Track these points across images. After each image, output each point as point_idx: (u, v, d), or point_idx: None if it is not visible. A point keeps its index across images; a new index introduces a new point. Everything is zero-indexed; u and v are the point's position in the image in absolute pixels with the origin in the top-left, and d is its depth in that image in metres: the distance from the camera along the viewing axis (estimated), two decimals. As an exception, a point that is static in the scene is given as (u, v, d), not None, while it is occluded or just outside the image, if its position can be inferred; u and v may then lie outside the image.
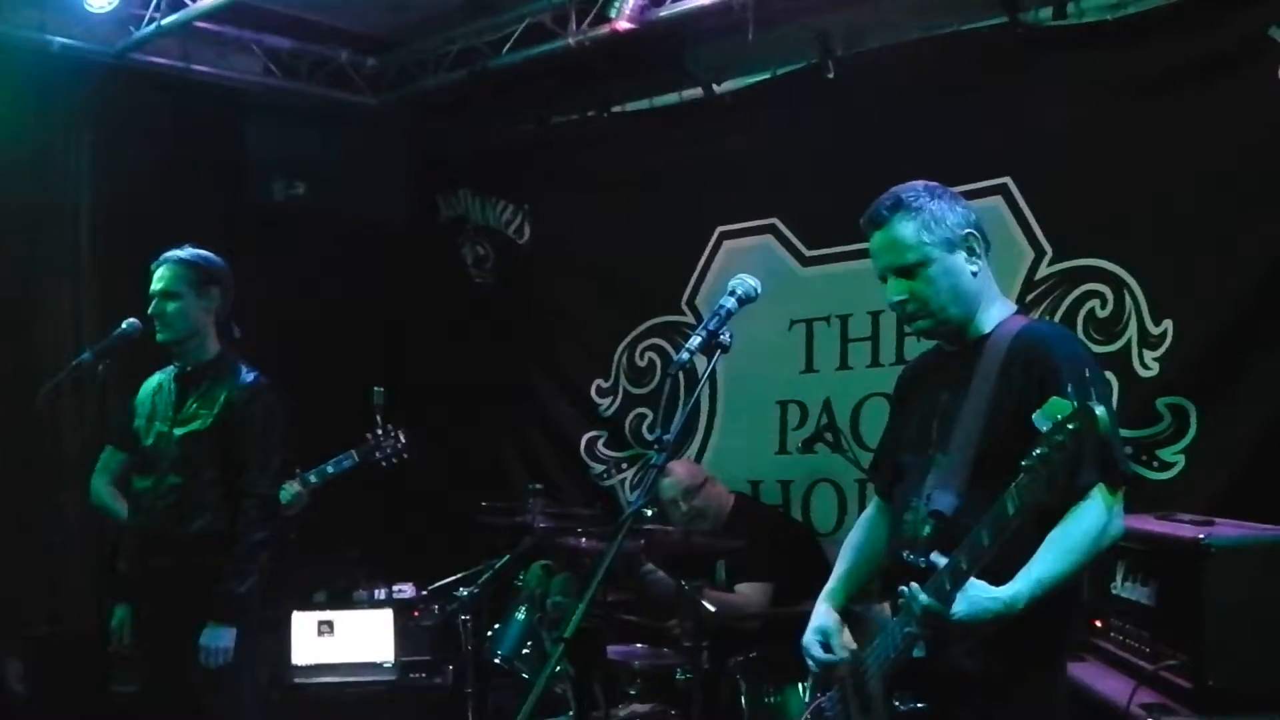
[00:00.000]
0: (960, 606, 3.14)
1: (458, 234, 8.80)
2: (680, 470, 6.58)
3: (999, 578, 3.18)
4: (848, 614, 3.87)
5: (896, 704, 3.41)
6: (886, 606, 3.59)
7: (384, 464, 6.33)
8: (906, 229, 3.54)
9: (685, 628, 5.62)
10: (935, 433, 3.58)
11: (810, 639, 3.84)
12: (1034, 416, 2.99)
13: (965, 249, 3.57)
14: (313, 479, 6.08)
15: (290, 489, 5.81)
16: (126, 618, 5.46)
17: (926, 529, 3.39)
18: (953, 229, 3.55)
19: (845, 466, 6.71)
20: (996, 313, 3.61)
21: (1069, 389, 3.01)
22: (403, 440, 6.33)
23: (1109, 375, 5.68)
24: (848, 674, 3.73)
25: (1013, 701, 3.39)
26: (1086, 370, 3.21)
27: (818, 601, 3.93)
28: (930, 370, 3.81)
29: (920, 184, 3.63)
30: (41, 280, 7.49)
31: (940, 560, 3.21)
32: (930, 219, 3.54)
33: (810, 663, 3.85)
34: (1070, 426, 2.91)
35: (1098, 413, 2.90)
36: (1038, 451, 2.96)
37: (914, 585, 3.22)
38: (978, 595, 3.15)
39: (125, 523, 5.57)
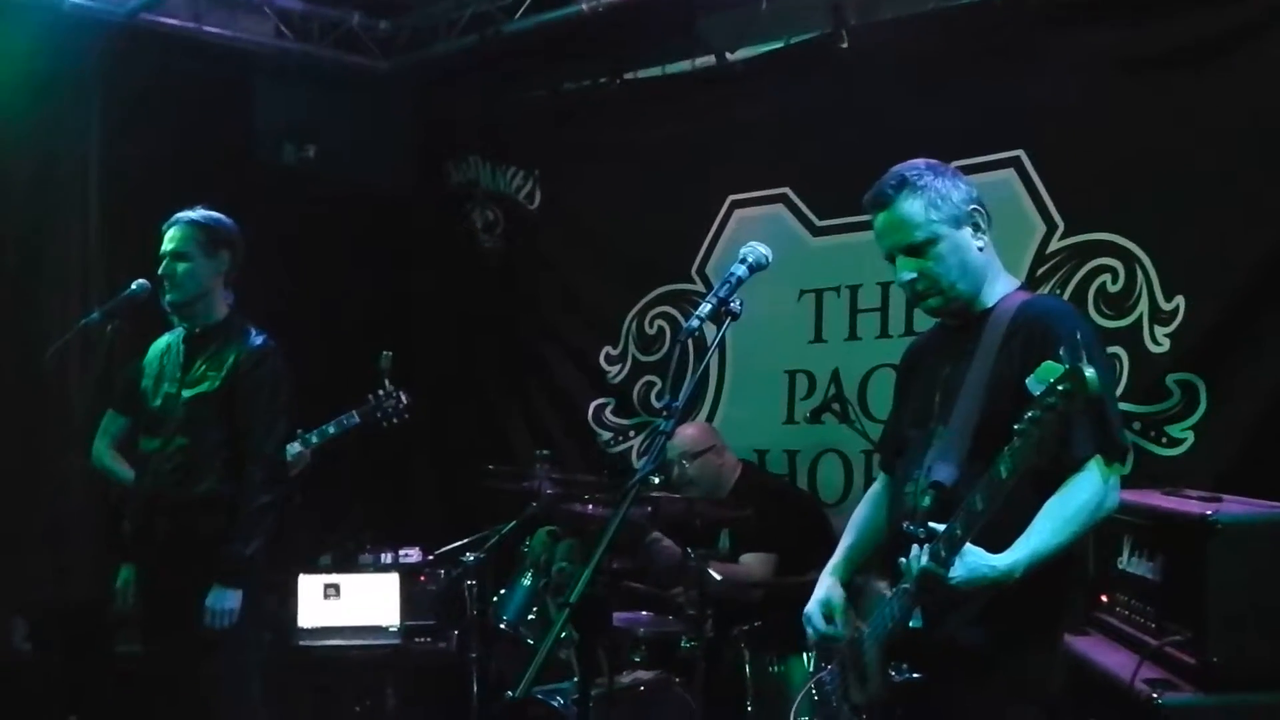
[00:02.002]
0: (958, 571, 3.16)
1: (467, 199, 8.78)
2: (687, 433, 6.59)
3: (999, 544, 3.21)
4: (849, 586, 3.89)
5: (893, 674, 3.43)
6: (885, 582, 3.59)
7: (384, 424, 6.31)
8: (914, 207, 3.54)
9: (689, 596, 5.63)
10: (937, 406, 3.60)
11: (813, 609, 3.88)
12: (1028, 381, 3.02)
13: (971, 224, 3.58)
14: (314, 439, 6.07)
15: (291, 449, 5.81)
16: (131, 578, 5.48)
17: (926, 500, 3.41)
18: (958, 205, 3.56)
19: (852, 437, 6.71)
20: (1000, 288, 3.63)
21: (1061, 352, 3.01)
22: (404, 400, 6.30)
23: (1119, 350, 5.71)
24: (846, 645, 3.75)
25: (1009, 672, 3.40)
26: (1080, 335, 3.21)
27: (823, 574, 3.97)
28: (934, 346, 3.83)
29: (922, 162, 3.63)
30: (50, 241, 7.48)
31: (938, 527, 3.22)
32: (936, 196, 3.54)
33: (810, 632, 3.87)
34: (1061, 388, 2.94)
35: (1087, 374, 2.91)
36: (1030, 414, 2.99)
37: (914, 549, 3.24)
38: (976, 561, 3.17)
39: (131, 484, 5.58)
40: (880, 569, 3.73)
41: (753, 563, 6.30)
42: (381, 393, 6.27)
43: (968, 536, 3.15)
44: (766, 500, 6.45)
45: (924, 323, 4.01)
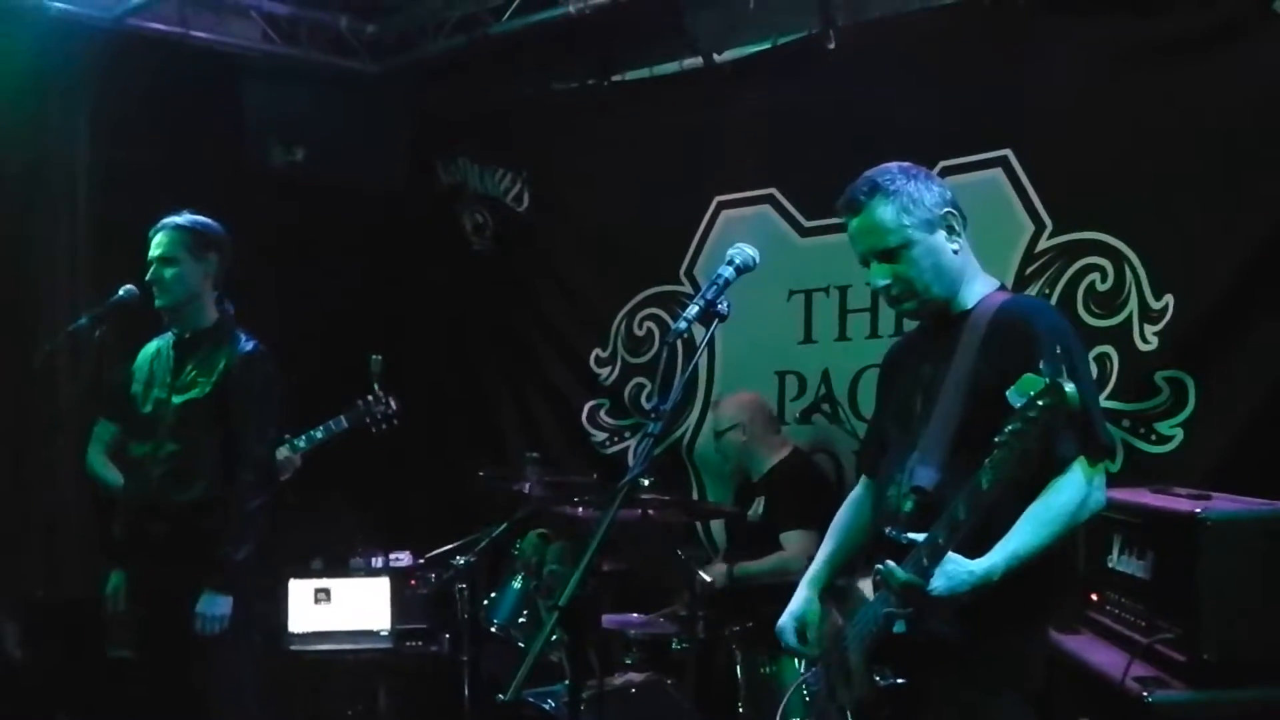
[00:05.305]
0: (938, 582, 3.20)
1: (456, 201, 8.77)
2: (726, 406, 6.70)
3: (982, 549, 3.23)
4: (832, 587, 3.90)
5: (878, 680, 3.43)
6: (869, 582, 3.60)
7: (373, 429, 6.31)
8: (886, 213, 3.56)
9: (683, 598, 5.63)
10: (918, 408, 3.63)
11: (786, 624, 3.90)
12: (1008, 392, 3.05)
13: (945, 228, 3.59)
14: (301, 444, 6.06)
15: (279, 454, 5.80)
16: (121, 583, 5.46)
17: (908, 504, 3.45)
18: (931, 209, 3.57)
19: (843, 437, 6.72)
20: (979, 289, 3.65)
21: (1042, 364, 3.03)
22: (394, 406, 6.29)
23: (1109, 349, 5.70)
24: (831, 646, 3.75)
25: (991, 665, 3.42)
26: (1059, 346, 3.23)
27: (801, 584, 3.98)
28: (914, 347, 3.86)
29: (895, 166, 3.65)
30: (39, 246, 7.47)
31: (919, 537, 3.24)
32: (908, 200, 3.56)
33: (782, 646, 3.90)
34: (1041, 403, 2.97)
35: (1067, 390, 2.95)
36: (1010, 427, 3.02)
37: (889, 563, 3.26)
38: (955, 570, 3.20)
39: (121, 488, 5.57)
40: (865, 569, 3.74)
41: (793, 543, 6.26)
42: (371, 398, 6.27)
43: (950, 545, 3.18)
44: (806, 481, 6.52)
45: (913, 323, 4.02)
